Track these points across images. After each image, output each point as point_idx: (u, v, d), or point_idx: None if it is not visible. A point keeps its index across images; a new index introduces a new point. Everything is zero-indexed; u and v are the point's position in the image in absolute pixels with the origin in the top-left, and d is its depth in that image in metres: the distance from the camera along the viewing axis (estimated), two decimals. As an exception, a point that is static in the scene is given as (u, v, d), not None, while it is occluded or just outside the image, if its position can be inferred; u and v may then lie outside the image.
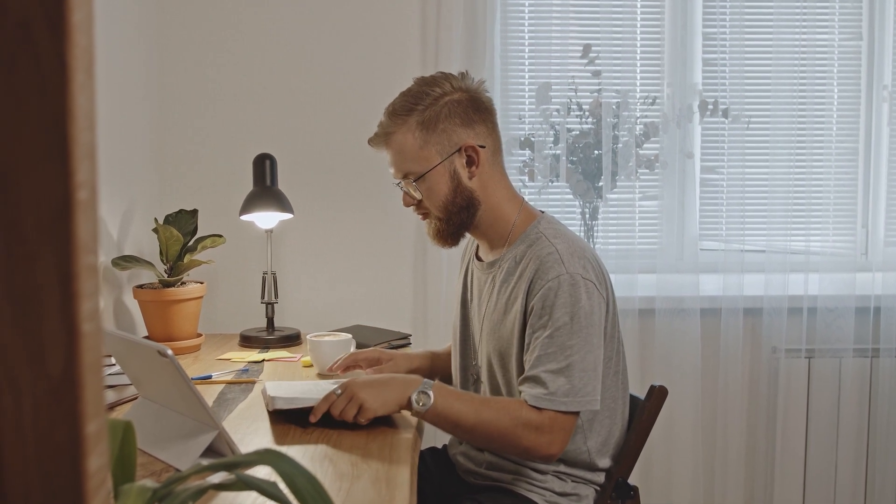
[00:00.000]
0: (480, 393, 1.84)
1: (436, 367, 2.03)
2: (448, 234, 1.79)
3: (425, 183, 1.75)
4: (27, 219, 0.54)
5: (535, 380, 1.61)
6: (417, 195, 1.77)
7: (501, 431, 1.60)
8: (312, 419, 1.62)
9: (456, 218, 1.77)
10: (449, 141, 1.73)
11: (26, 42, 0.53)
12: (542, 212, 1.83)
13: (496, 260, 1.80)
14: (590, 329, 1.62)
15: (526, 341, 1.67)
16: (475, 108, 1.75)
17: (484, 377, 1.83)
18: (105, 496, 0.59)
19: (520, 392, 1.64)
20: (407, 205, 1.82)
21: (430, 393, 1.60)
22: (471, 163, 1.74)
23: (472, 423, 1.61)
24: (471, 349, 1.90)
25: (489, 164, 1.77)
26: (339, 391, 1.62)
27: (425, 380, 1.64)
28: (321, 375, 2.06)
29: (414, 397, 1.60)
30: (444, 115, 1.72)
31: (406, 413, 1.66)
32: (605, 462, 1.78)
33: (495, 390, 1.79)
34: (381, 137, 1.77)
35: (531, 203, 1.85)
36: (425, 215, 1.81)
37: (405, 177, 1.77)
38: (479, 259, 1.89)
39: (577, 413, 1.62)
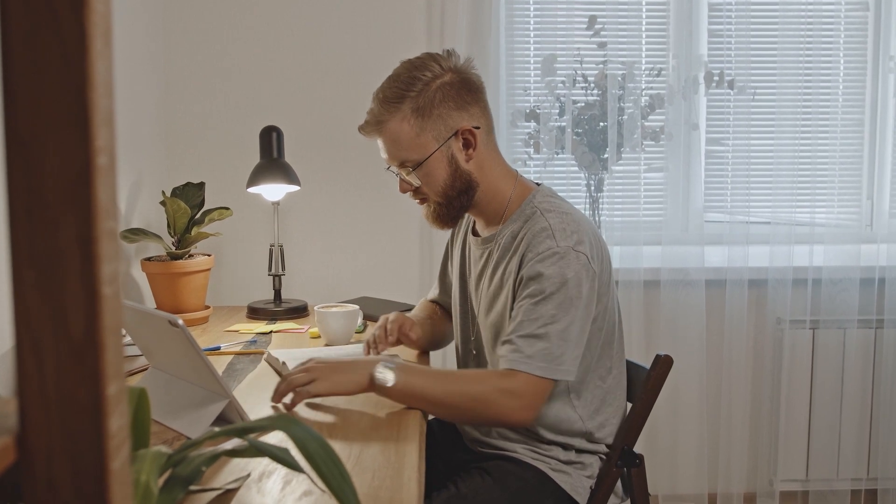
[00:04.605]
0: (483, 366, 1.85)
1: (435, 330, 2.05)
2: (448, 217, 1.78)
3: (423, 170, 1.73)
4: (48, 184, 0.55)
5: (513, 343, 1.60)
6: (415, 182, 1.75)
7: (473, 398, 1.58)
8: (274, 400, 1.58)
9: (456, 202, 1.76)
10: (445, 126, 1.70)
11: (47, 10, 0.54)
12: (539, 184, 1.83)
13: (492, 235, 1.80)
14: (575, 301, 1.61)
15: (513, 311, 1.67)
16: (467, 88, 1.72)
17: (485, 350, 1.84)
18: (126, 455, 0.61)
19: (499, 357, 1.63)
20: (404, 191, 1.79)
21: (392, 370, 1.56)
22: (468, 146, 1.72)
23: (439, 397, 1.58)
24: (470, 322, 1.91)
25: (484, 144, 1.75)
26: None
27: (389, 358, 1.62)
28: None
29: (377, 375, 1.56)
30: (437, 100, 1.69)
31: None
32: (602, 433, 1.79)
33: (494, 364, 1.79)
34: (373, 126, 1.73)
35: (535, 175, 1.85)
36: (423, 200, 1.79)
37: (402, 165, 1.74)
38: (475, 234, 1.89)
39: (551, 381, 1.60)
